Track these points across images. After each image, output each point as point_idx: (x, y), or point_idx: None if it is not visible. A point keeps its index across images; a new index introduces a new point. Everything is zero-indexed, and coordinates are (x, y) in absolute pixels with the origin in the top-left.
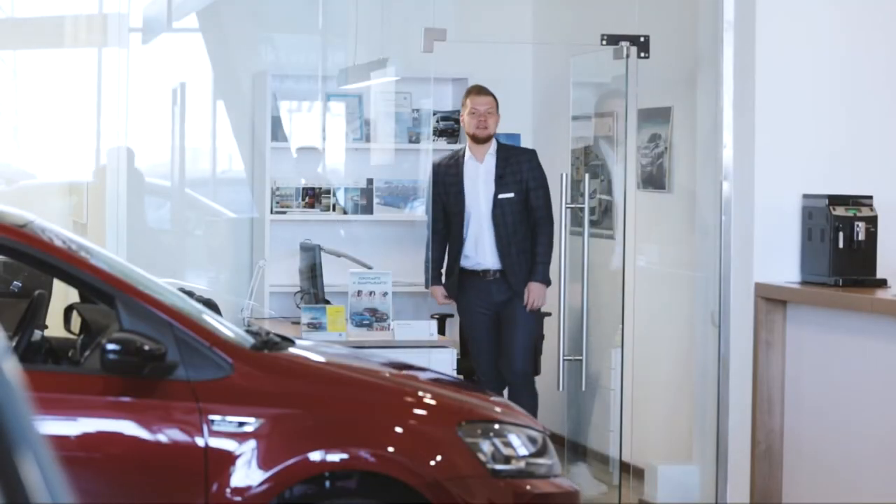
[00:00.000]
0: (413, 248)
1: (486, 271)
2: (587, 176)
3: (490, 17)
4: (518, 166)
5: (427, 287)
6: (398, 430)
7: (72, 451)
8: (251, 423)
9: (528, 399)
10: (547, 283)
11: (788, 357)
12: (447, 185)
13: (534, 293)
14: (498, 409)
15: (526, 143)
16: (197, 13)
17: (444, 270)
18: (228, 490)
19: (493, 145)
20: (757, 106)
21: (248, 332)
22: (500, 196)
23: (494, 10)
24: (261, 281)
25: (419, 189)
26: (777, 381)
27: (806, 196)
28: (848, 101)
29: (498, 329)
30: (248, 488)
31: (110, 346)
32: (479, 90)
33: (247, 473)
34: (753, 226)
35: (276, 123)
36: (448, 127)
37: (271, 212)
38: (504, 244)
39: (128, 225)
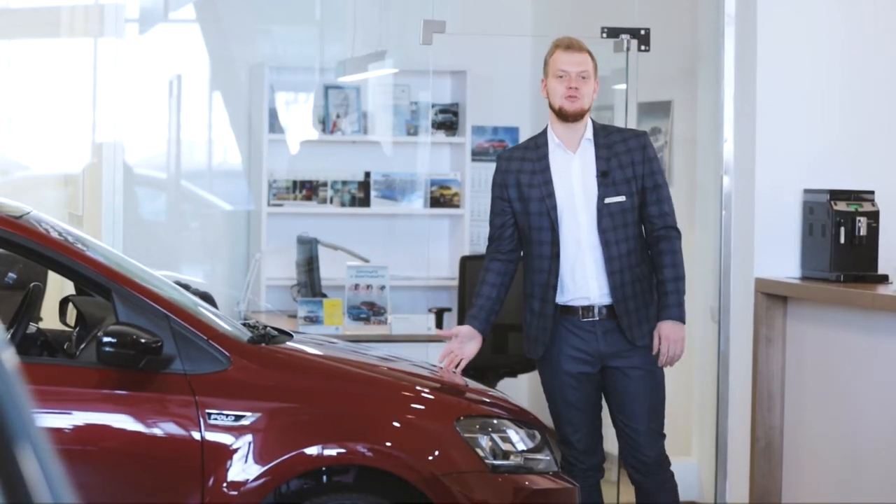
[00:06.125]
0: (411, 241)
1: (589, 308)
2: None
3: (489, 9)
4: (627, 156)
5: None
6: (396, 424)
7: (67, 445)
8: (248, 417)
9: (665, 497)
10: (684, 321)
11: (788, 353)
12: (523, 186)
13: (669, 338)
14: (496, 405)
15: (524, 137)
16: (194, 4)
17: (470, 312)
18: (225, 484)
19: (588, 127)
20: (758, 100)
21: (245, 325)
22: (608, 200)
23: (494, 2)
24: (257, 274)
25: (417, 182)
26: (777, 377)
27: (807, 191)
28: (850, 96)
29: (602, 391)
30: (245, 482)
31: (106, 339)
32: (568, 44)
33: (243, 468)
34: (754, 220)
35: (273, 115)
36: (446, 119)
37: (268, 204)
38: (614, 269)
39: (124, 217)
